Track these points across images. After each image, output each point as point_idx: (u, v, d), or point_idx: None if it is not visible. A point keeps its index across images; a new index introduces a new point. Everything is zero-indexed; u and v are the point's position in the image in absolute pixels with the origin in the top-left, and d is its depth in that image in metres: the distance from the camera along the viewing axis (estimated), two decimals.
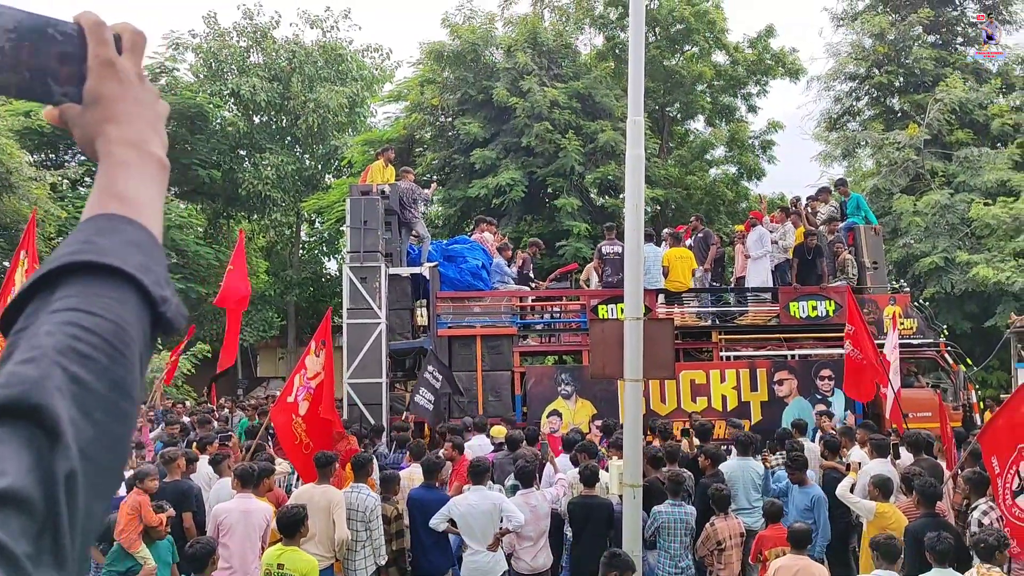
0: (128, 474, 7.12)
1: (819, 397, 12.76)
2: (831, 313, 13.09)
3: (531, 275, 15.11)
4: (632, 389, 6.19)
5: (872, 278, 13.93)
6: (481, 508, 6.93)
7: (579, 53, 24.65)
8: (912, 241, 20.52)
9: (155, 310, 0.80)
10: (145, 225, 0.86)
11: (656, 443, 9.47)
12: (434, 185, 17.10)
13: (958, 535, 6.54)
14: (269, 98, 28.07)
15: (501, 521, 6.98)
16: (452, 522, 7.17)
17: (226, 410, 15.42)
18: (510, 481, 7.90)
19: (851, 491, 7.50)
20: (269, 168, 27.53)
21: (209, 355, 23.00)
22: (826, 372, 12.71)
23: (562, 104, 21.32)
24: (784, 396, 12.77)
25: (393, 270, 12.94)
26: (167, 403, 15.76)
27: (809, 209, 14.79)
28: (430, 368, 10.91)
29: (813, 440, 10.42)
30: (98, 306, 0.75)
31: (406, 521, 7.71)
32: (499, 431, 10.05)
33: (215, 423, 13.35)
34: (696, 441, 9.78)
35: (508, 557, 7.20)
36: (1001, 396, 15.42)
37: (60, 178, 22.73)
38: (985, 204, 19.49)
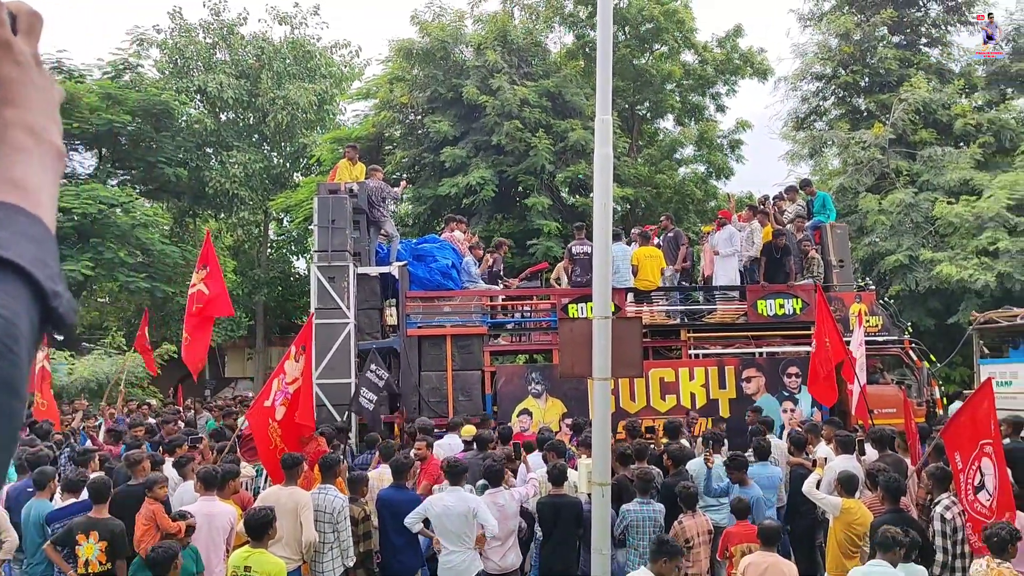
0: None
1: (786, 394, 12.88)
2: (798, 311, 13.22)
3: (501, 274, 15.09)
4: (601, 387, 6.19)
5: (838, 276, 14.08)
6: (457, 511, 6.90)
7: (549, 52, 24.68)
8: (877, 239, 20.78)
9: (47, 304, 0.77)
10: (41, 217, 0.82)
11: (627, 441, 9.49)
12: (403, 183, 17.03)
13: (921, 530, 6.63)
14: (237, 95, 27.77)
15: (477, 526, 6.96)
16: (426, 522, 7.14)
17: (192, 411, 15.21)
18: (480, 481, 7.87)
19: (817, 487, 7.57)
20: (237, 166, 27.25)
21: (175, 355, 22.71)
22: (793, 369, 12.83)
23: (532, 103, 21.31)
24: (752, 393, 12.87)
25: (362, 269, 12.85)
26: (131, 405, 15.51)
27: (776, 208, 14.91)
28: (373, 367, 10.85)
29: (780, 437, 10.52)
30: None
31: (374, 522, 7.66)
32: (468, 430, 10.02)
33: (181, 423, 13.20)
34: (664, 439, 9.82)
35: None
36: (964, 392, 15.67)
37: None
38: (948, 203, 19.79)
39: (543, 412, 12.50)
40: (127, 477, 7.63)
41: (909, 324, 18.05)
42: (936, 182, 20.85)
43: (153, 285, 23.59)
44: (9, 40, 0.87)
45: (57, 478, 7.81)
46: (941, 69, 24.28)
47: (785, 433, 10.77)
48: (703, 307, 13.83)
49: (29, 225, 0.80)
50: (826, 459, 8.44)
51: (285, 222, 30.14)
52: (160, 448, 9.82)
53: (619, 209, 22.56)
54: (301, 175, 29.80)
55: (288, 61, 29.14)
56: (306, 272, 29.22)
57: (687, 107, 26.23)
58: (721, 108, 26.52)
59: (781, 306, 13.32)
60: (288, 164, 30.76)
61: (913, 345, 13.83)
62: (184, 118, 27.33)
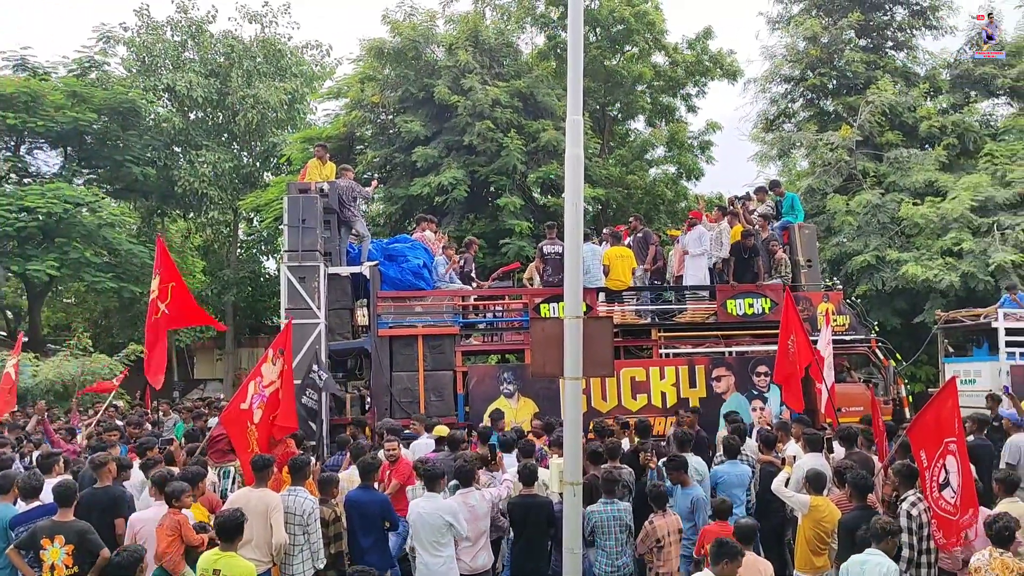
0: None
1: (755, 393, 13.00)
2: (767, 310, 13.35)
3: (473, 274, 15.08)
4: (572, 387, 6.21)
5: (806, 276, 14.23)
6: (430, 520, 6.89)
7: (521, 52, 24.70)
8: (845, 240, 21.02)
9: None
10: None
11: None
12: (374, 183, 16.94)
13: None
14: (206, 94, 27.51)
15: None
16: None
17: (160, 413, 15.02)
18: (452, 481, 7.86)
19: (786, 485, 7.64)
20: (206, 165, 27.00)
21: (143, 355, 22.43)
22: (762, 368, 12.95)
23: (504, 103, 21.33)
24: (722, 392, 12.97)
25: (332, 269, 12.77)
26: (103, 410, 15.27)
27: (744, 208, 15.04)
28: (315, 368, 10.82)
29: (750, 435, 10.60)
30: None
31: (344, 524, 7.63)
32: (440, 430, 9.99)
33: (148, 426, 13.03)
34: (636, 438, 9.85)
35: None
36: (929, 390, 15.92)
37: None
38: (914, 204, 20.07)
39: (515, 412, 12.50)
40: (93, 480, 7.52)
41: (876, 323, 18.31)
42: (902, 183, 21.14)
43: (120, 285, 23.32)
44: None
45: None
46: (907, 72, 24.62)
47: (755, 431, 10.87)
48: (673, 307, 13.92)
49: None
50: (795, 457, 8.52)
51: (255, 222, 29.92)
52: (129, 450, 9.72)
53: (590, 209, 22.65)
54: (271, 174, 29.60)
55: (258, 60, 28.93)
56: (276, 272, 29.03)
57: (658, 108, 26.40)
58: (691, 109, 26.76)
59: (750, 305, 13.45)
60: (258, 163, 30.53)
61: (880, 344, 14.01)
62: (152, 117, 27.03)
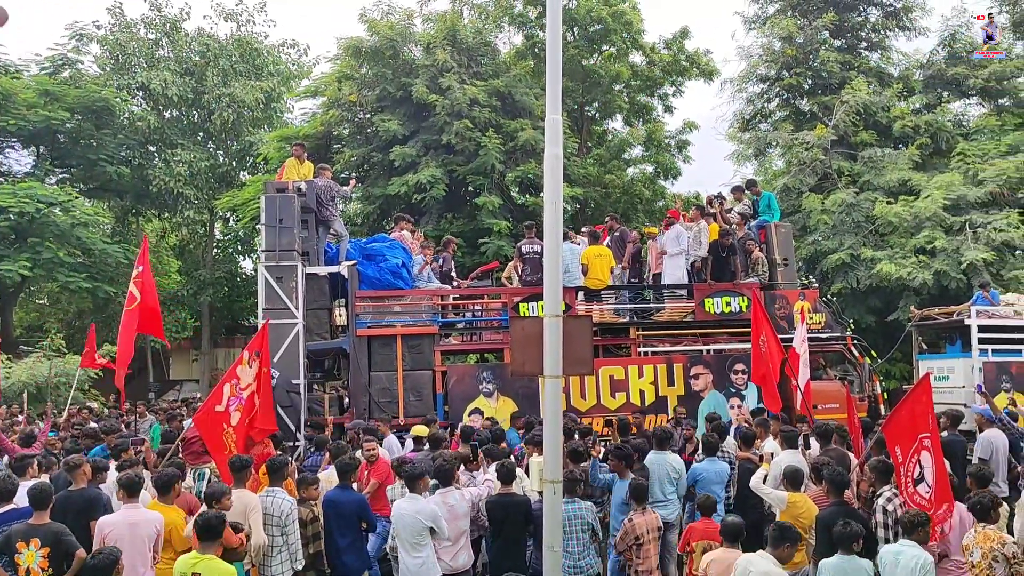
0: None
1: (733, 390, 13.10)
2: (744, 309, 13.44)
3: (453, 273, 15.06)
4: (552, 386, 6.21)
5: (783, 274, 14.34)
6: (410, 521, 6.89)
7: (498, 51, 24.68)
8: (820, 238, 21.20)
9: None
10: None
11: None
12: (353, 182, 16.86)
13: (865, 522, 6.79)
14: (181, 93, 27.23)
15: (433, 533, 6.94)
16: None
17: (136, 415, 14.87)
18: (432, 481, 7.85)
19: (764, 482, 7.70)
20: (181, 164, 26.72)
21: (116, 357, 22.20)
22: (740, 366, 13.04)
23: (482, 102, 21.31)
24: (700, 390, 13.06)
25: (310, 269, 12.70)
26: (71, 410, 15.09)
27: (720, 206, 15.14)
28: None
29: (729, 432, 10.67)
30: None
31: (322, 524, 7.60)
32: (420, 430, 9.98)
33: (123, 427, 12.90)
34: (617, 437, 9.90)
35: None
36: (904, 387, 16.09)
37: None
38: (888, 203, 20.29)
39: (494, 411, 12.51)
40: (67, 482, 7.44)
41: (851, 321, 18.48)
42: (876, 182, 21.37)
43: (95, 285, 23.04)
44: None
45: None
46: (881, 73, 24.88)
47: (733, 428, 10.95)
48: (652, 305, 13.99)
49: None
50: (772, 454, 8.59)
51: (231, 221, 29.67)
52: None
53: (568, 208, 22.69)
54: (248, 174, 29.36)
55: (234, 58, 28.66)
56: (253, 272, 28.84)
57: (635, 108, 26.50)
58: (669, 109, 26.88)
59: (728, 304, 13.55)
60: (234, 163, 30.26)
61: (855, 341, 14.16)
62: (126, 115, 26.72)
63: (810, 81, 24.90)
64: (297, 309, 11.95)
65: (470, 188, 21.79)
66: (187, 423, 11.48)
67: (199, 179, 27.68)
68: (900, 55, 25.72)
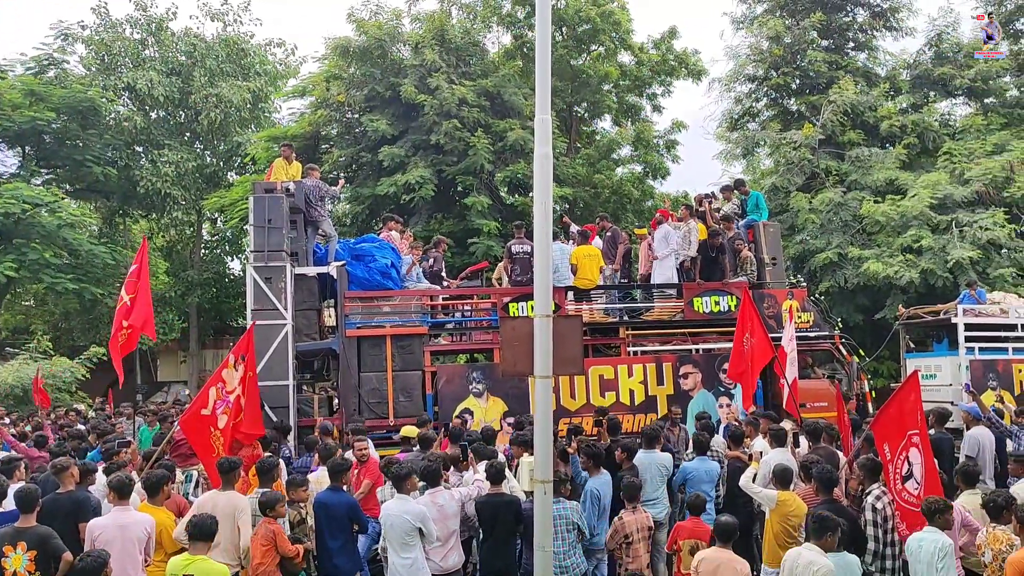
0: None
1: (722, 389, 13.13)
2: (733, 308, 13.46)
3: (443, 273, 15.04)
4: (542, 385, 6.22)
5: (771, 273, 14.37)
6: (397, 522, 6.87)
7: (487, 51, 24.67)
8: (808, 237, 21.28)
9: None
10: None
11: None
12: (341, 181, 16.82)
13: (854, 519, 6.83)
14: (167, 93, 27.10)
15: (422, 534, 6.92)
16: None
17: (124, 417, 14.80)
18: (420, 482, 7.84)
19: (753, 481, 7.72)
20: (168, 165, 26.61)
21: (105, 358, 22.09)
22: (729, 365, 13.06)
23: (471, 102, 21.30)
24: (689, 389, 13.09)
25: (299, 270, 12.66)
26: (59, 412, 15.02)
27: (708, 205, 15.18)
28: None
29: (718, 431, 10.72)
30: None
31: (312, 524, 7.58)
32: (410, 430, 9.97)
33: (116, 431, 12.84)
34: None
35: None
36: (891, 385, 16.17)
37: None
38: (875, 202, 20.39)
39: (484, 411, 12.50)
40: (55, 485, 7.39)
41: (839, 320, 18.57)
42: (863, 182, 21.47)
43: (81, 286, 22.91)
44: None
45: None
46: (868, 72, 25.00)
47: (722, 427, 11.00)
48: (641, 305, 14.01)
49: None
50: (761, 453, 8.62)
51: (219, 222, 29.56)
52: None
53: (558, 208, 22.70)
54: (235, 174, 29.25)
55: (221, 58, 28.54)
56: (241, 273, 28.72)
57: (624, 107, 26.52)
58: (657, 109, 26.94)
59: (716, 303, 13.57)
60: (222, 163, 30.14)
61: (843, 340, 14.21)
62: (112, 116, 26.59)
63: (798, 81, 25.01)
64: (286, 310, 11.90)
65: (459, 188, 21.77)
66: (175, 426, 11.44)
67: (186, 180, 27.56)
68: (887, 55, 25.88)
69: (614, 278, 14.34)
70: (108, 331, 24.83)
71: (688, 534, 7.15)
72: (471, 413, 12.32)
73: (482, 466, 8.13)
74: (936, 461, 7.04)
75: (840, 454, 8.71)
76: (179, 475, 8.68)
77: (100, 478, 8.07)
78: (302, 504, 7.43)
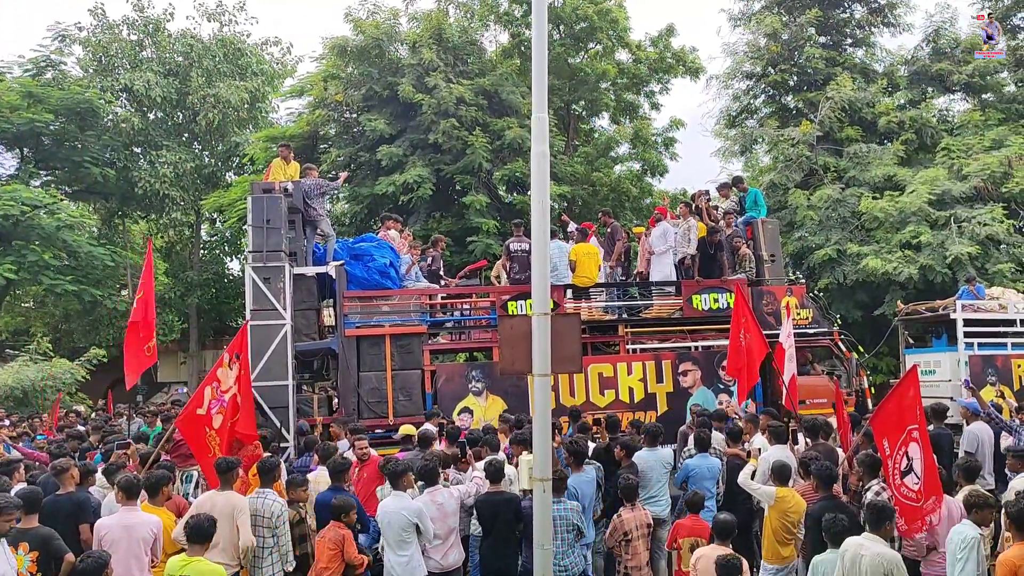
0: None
1: (722, 387, 13.14)
2: (732, 305, 13.45)
3: (441, 272, 15.04)
4: (541, 384, 6.22)
5: (770, 270, 14.37)
6: (393, 519, 6.88)
7: (484, 50, 24.67)
8: (807, 234, 21.28)
9: None
10: None
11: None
12: (344, 174, 16.76)
13: (853, 515, 6.83)
14: (165, 94, 27.08)
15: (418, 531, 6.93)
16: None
17: (124, 417, 14.80)
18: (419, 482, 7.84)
19: (752, 478, 7.73)
20: (167, 166, 26.59)
21: (105, 360, 22.11)
22: None
23: (468, 101, 21.29)
24: (688, 387, 13.10)
25: (298, 269, 12.66)
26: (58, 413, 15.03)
27: (706, 202, 15.18)
28: None
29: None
30: None
31: (314, 525, 7.58)
32: (408, 429, 9.98)
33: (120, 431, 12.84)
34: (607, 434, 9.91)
35: None
36: (891, 381, 16.18)
37: None
38: (873, 198, 20.39)
39: (484, 410, 12.51)
40: (56, 486, 7.40)
41: (838, 316, 18.58)
42: (862, 178, 21.47)
43: (81, 288, 22.90)
44: None
45: None
46: (865, 69, 25.01)
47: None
48: (640, 303, 14.02)
49: None
50: (760, 450, 8.63)
51: (218, 223, 29.55)
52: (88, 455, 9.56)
53: (556, 207, 22.71)
54: (234, 174, 29.23)
55: (218, 59, 28.52)
56: (240, 273, 28.72)
57: (622, 105, 26.51)
58: (655, 106, 26.95)
59: (715, 300, 13.57)
60: (220, 163, 30.13)
61: (842, 336, 14.23)
62: (110, 117, 26.58)
63: (795, 78, 25.01)
64: (285, 310, 11.89)
65: (457, 187, 21.77)
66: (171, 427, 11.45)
67: (185, 180, 27.55)
68: (884, 51, 25.91)
69: (613, 275, 14.35)
70: (108, 333, 25.06)
71: (688, 532, 7.16)
72: (470, 412, 12.33)
73: (481, 464, 8.14)
74: (935, 457, 7.05)
75: (839, 450, 8.71)
76: (178, 475, 8.68)
77: (100, 479, 8.09)
78: (302, 504, 7.44)
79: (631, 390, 12.94)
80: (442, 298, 14.06)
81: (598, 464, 8.57)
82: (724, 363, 13.08)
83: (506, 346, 6.63)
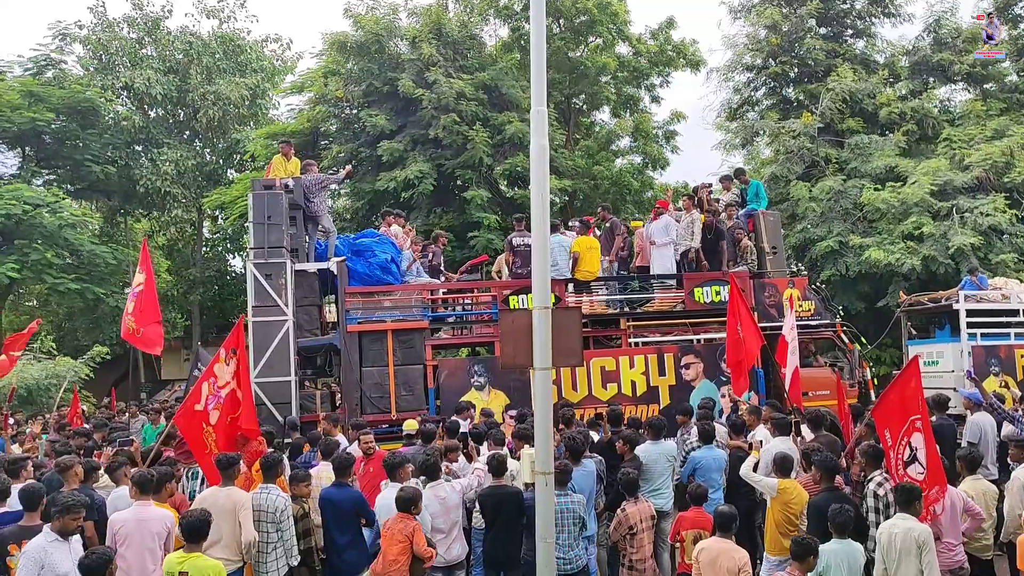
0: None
1: (724, 379, 13.09)
2: None
3: (442, 267, 15.04)
4: (542, 377, 6.23)
5: (772, 262, 14.35)
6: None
7: (484, 45, 24.63)
8: (809, 226, 21.28)
9: None
10: None
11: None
12: (348, 168, 16.77)
13: (856, 506, 6.83)
14: (165, 91, 27.11)
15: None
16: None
17: (127, 415, 14.83)
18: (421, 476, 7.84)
19: (754, 470, 7.73)
20: (168, 163, 26.62)
21: (108, 357, 22.15)
22: None
23: (469, 96, 21.28)
24: (691, 379, 13.07)
25: (299, 266, 12.67)
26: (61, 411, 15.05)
27: (707, 194, 15.17)
28: (200, 366, 10.78)
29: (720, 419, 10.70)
30: None
31: (316, 520, 7.59)
32: (411, 424, 9.98)
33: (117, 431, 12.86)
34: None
35: None
36: (894, 372, 16.16)
37: None
38: (875, 189, 20.37)
39: (486, 404, 12.50)
40: (59, 484, 7.41)
41: (840, 308, 18.56)
42: (863, 169, 21.44)
43: (83, 286, 22.94)
44: None
45: None
46: (866, 59, 24.96)
47: (724, 417, 10.98)
48: (642, 296, 13.99)
49: None
50: (762, 442, 8.62)
51: (219, 220, 29.57)
52: (93, 452, 9.58)
53: (557, 201, 22.71)
54: (235, 171, 29.26)
55: (218, 56, 28.53)
56: (242, 270, 28.70)
57: (622, 99, 26.47)
58: (656, 99, 26.90)
59: (717, 293, 13.54)
60: (221, 160, 30.16)
61: (845, 328, 14.21)
62: (111, 115, 26.60)
63: (796, 69, 24.97)
64: (287, 306, 11.92)
65: (458, 182, 21.77)
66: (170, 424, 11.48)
67: (186, 178, 27.59)
68: (885, 42, 25.83)
69: (613, 269, 14.33)
70: (111, 330, 25.05)
71: (691, 524, 7.16)
72: (473, 406, 12.33)
73: (483, 457, 8.15)
74: (938, 447, 7.04)
75: (841, 442, 8.70)
76: (185, 472, 8.70)
77: (103, 476, 8.10)
78: (305, 499, 7.45)
79: (633, 383, 12.94)
80: (444, 293, 14.05)
81: (599, 458, 8.57)
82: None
83: (507, 340, 6.64)
